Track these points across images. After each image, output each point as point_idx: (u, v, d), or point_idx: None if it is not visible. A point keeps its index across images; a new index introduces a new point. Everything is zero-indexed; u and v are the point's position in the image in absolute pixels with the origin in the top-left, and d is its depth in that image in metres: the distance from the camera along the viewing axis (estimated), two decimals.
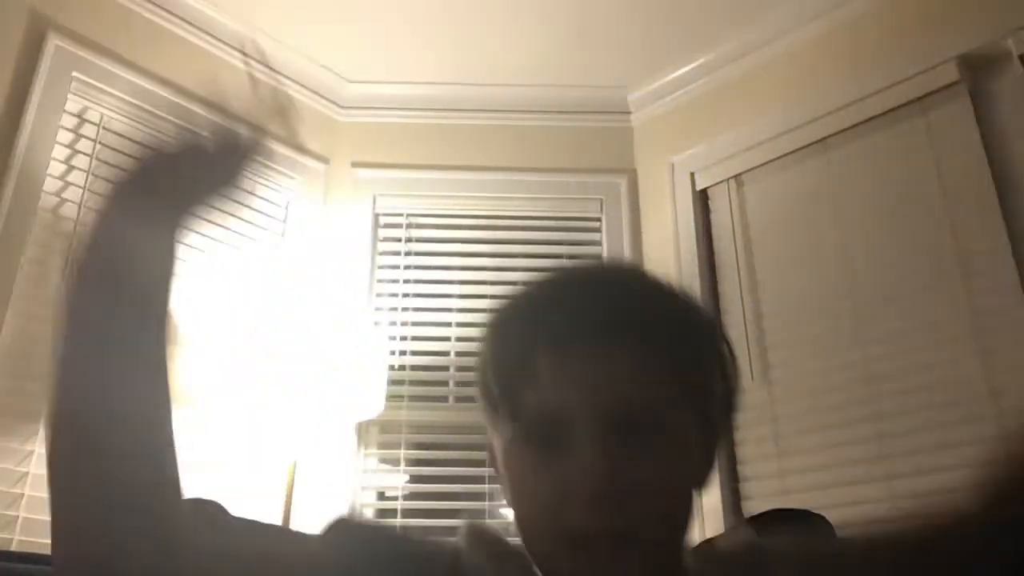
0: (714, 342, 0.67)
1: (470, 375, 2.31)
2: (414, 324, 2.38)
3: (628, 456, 0.57)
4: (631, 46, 2.44)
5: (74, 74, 1.98)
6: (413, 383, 2.31)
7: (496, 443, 0.67)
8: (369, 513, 2.20)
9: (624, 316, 0.61)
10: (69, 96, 1.96)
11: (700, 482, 0.65)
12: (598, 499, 0.56)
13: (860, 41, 2.15)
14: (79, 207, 1.93)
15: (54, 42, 1.95)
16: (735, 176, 2.32)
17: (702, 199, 2.39)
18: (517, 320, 0.67)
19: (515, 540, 0.64)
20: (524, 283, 0.69)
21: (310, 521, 2.02)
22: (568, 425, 0.58)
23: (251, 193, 2.32)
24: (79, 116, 1.99)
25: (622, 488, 0.56)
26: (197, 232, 2.19)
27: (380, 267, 2.45)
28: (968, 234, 1.83)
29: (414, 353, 2.34)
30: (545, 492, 0.58)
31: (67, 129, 1.95)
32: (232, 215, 2.25)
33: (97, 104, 2.03)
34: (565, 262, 2.47)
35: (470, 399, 2.31)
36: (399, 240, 2.48)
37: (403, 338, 2.34)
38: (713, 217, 2.36)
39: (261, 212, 2.34)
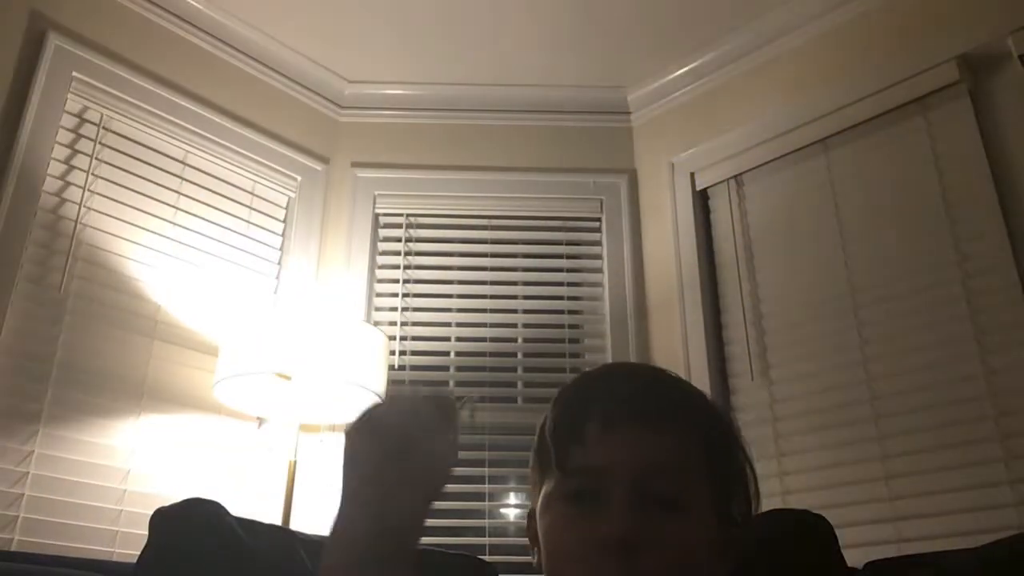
0: (739, 450, 0.77)
1: (470, 375, 2.33)
2: (414, 324, 2.38)
3: (652, 516, 0.66)
4: (631, 46, 2.44)
5: (74, 74, 1.98)
6: (413, 383, 2.31)
7: (538, 509, 0.75)
8: None
9: (664, 403, 0.73)
10: (69, 96, 1.96)
11: (714, 568, 0.71)
12: (621, 547, 0.64)
13: (860, 41, 2.15)
14: (79, 207, 1.93)
15: (54, 42, 1.95)
16: (735, 176, 2.32)
17: (702, 199, 2.39)
18: (574, 396, 0.77)
19: None
20: (580, 374, 0.83)
21: (310, 521, 2.02)
22: (606, 483, 0.68)
23: (251, 193, 2.32)
24: (79, 116, 1.99)
25: (644, 540, 0.65)
26: (197, 232, 2.17)
27: (380, 267, 2.45)
28: (968, 234, 1.83)
29: (414, 353, 2.35)
30: (576, 540, 0.68)
31: (67, 129, 1.95)
32: (233, 215, 2.26)
33: (97, 104, 2.03)
34: (565, 262, 2.47)
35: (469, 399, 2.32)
36: (399, 240, 2.48)
37: (403, 338, 2.35)
38: (713, 217, 2.36)
39: (261, 212, 2.34)
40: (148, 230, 2.05)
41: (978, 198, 1.82)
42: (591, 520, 0.67)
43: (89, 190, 1.96)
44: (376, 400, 0.73)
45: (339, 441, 2.18)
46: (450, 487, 2.51)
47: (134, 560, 1.07)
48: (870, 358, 1.90)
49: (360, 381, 1.91)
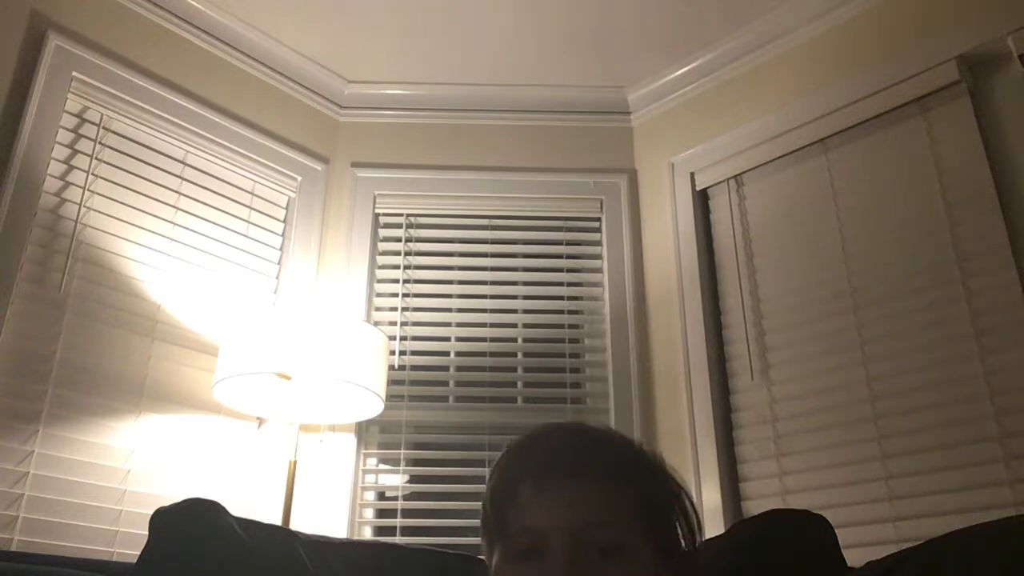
0: (672, 485, 0.83)
1: (470, 375, 2.33)
2: (414, 324, 2.38)
3: (591, 566, 0.73)
4: (631, 46, 2.44)
5: (74, 74, 1.98)
6: (413, 383, 2.31)
7: (493, 569, 0.81)
8: (369, 513, 2.20)
9: (589, 457, 0.79)
10: (69, 96, 1.96)
11: None
12: None
13: (860, 41, 2.15)
14: (79, 207, 1.93)
15: (54, 42, 1.95)
16: (735, 176, 2.32)
17: (702, 199, 2.39)
18: (508, 464, 0.84)
19: None
20: (517, 437, 0.87)
21: (310, 521, 2.02)
22: (545, 540, 0.74)
23: (251, 193, 2.32)
24: (79, 116, 1.99)
25: None
26: (197, 232, 2.17)
27: (380, 267, 2.45)
28: (968, 234, 1.83)
29: (414, 353, 2.35)
30: None
31: (67, 129, 1.95)
32: (233, 215, 2.26)
33: (97, 104, 2.03)
34: (565, 262, 2.47)
35: (470, 399, 2.33)
36: (399, 240, 2.48)
37: (403, 338, 2.35)
38: (713, 217, 2.36)
39: (261, 212, 2.34)
40: (148, 230, 2.06)
41: (978, 198, 1.82)
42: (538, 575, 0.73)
43: (89, 190, 1.96)
44: None
45: (339, 441, 2.19)
46: (450, 487, 2.50)
47: (134, 560, 1.07)
48: (870, 358, 1.91)
49: (360, 381, 1.91)
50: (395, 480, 2.26)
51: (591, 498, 0.76)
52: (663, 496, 0.82)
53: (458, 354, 2.36)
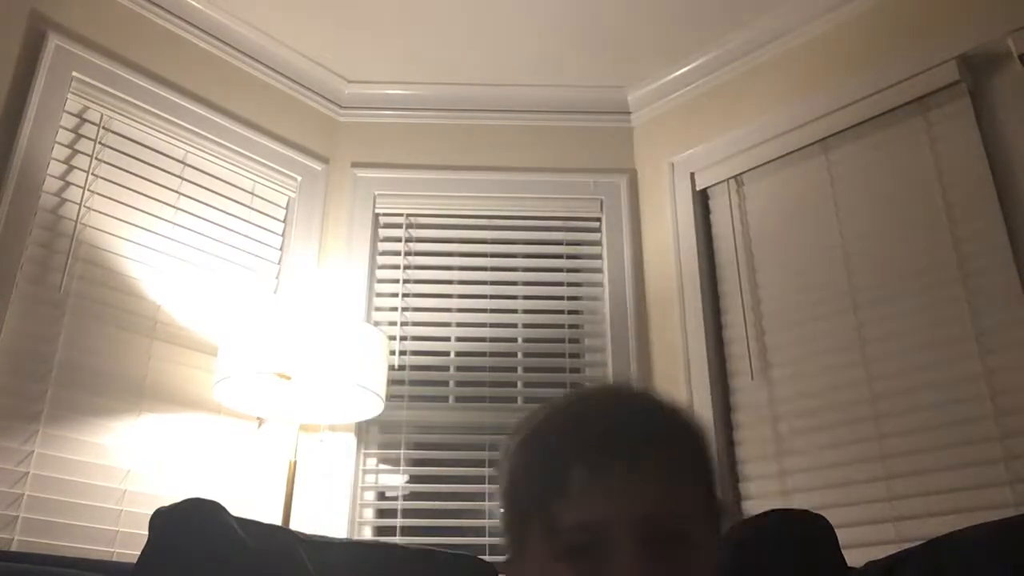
0: (712, 458, 0.73)
1: (470, 375, 2.33)
2: (414, 324, 2.38)
3: (661, 562, 0.62)
4: (631, 46, 2.44)
5: (74, 74, 1.98)
6: (413, 383, 2.31)
7: (527, 569, 0.69)
8: (369, 513, 2.20)
9: (648, 434, 0.67)
10: (69, 96, 1.96)
11: None
12: None
13: (860, 41, 2.15)
14: (79, 207, 1.93)
15: (54, 42, 1.95)
16: (735, 176, 2.32)
17: (702, 199, 2.39)
18: (549, 441, 0.69)
19: None
20: (545, 406, 0.73)
21: (310, 521, 2.02)
22: (605, 537, 0.62)
23: (251, 193, 2.32)
24: (79, 116, 1.99)
25: None
26: (197, 232, 2.18)
27: (380, 267, 2.45)
28: (968, 234, 1.83)
29: (414, 353, 2.35)
30: None
31: (67, 129, 1.95)
32: (233, 215, 2.26)
33: (97, 104, 2.03)
34: (565, 262, 2.47)
35: (470, 399, 2.33)
36: (399, 240, 2.48)
37: (403, 338, 2.35)
38: (713, 217, 2.36)
39: (261, 212, 2.34)
40: (148, 230, 2.05)
41: (978, 198, 1.82)
42: None
43: (89, 190, 1.96)
44: None
45: (339, 441, 2.19)
46: (450, 487, 2.50)
47: (134, 560, 1.07)
48: (870, 358, 1.90)
49: (360, 381, 1.91)
50: (395, 480, 2.26)
51: (656, 481, 0.64)
52: (714, 470, 0.72)
53: (458, 354, 2.36)
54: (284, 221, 2.39)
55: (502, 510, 0.72)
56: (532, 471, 0.68)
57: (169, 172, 2.15)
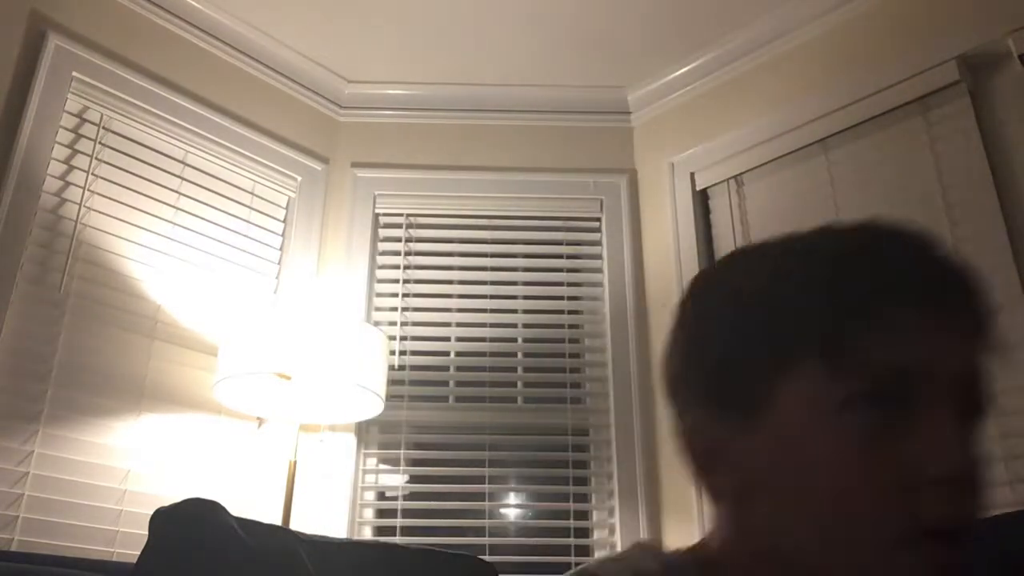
0: None
1: (470, 375, 2.33)
2: (414, 324, 2.38)
3: (971, 447, 0.51)
4: (631, 46, 2.44)
5: (74, 74, 1.98)
6: (413, 383, 2.31)
7: (771, 426, 0.53)
8: (369, 513, 2.20)
9: (980, 285, 0.55)
10: (69, 96, 1.96)
11: None
12: (960, 484, 0.48)
13: (860, 41, 2.15)
14: (79, 207, 1.93)
15: (54, 42, 1.95)
16: (735, 176, 2.32)
17: (702, 199, 2.39)
18: (855, 253, 0.56)
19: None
20: (826, 237, 0.59)
21: (310, 521, 2.02)
22: (916, 387, 0.49)
23: (251, 193, 2.32)
24: (79, 116, 1.99)
25: (979, 471, 0.49)
26: (197, 232, 2.18)
27: (380, 267, 2.45)
28: (968, 234, 1.83)
29: (414, 353, 2.35)
30: (882, 473, 0.48)
31: (67, 129, 1.95)
32: (233, 215, 2.26)
33: (97, 104, 2.03)
34: (565, 262, 2.47)
35: (470, 399, 2.32)
36: (399, 240, 2.48)
37: (403, 338, 2.35)
38: (713, 217, 2.36)
39: (261, 212, 2.34)
40: (148, 230, 2.06)
41: (978, 198, 1.82)
42: (907, 441, 0.47)
43: (89, 190, 1.96)
44: None
45: (339, 441, 2.19)
46: (450, 487, 2.50)
47: (134, 560, 1.07)
48: None
49: (360, 381, 1.91)
50: (395, 480, 2.26)
51: (980, 336, 0.54)
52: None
53: (458, 354, 2.36)
54: (284, 221, 2.39)
55: (720, 356, 0.55)
56: (818, 288, 0.52)
57: (169, 172, 2.15)
